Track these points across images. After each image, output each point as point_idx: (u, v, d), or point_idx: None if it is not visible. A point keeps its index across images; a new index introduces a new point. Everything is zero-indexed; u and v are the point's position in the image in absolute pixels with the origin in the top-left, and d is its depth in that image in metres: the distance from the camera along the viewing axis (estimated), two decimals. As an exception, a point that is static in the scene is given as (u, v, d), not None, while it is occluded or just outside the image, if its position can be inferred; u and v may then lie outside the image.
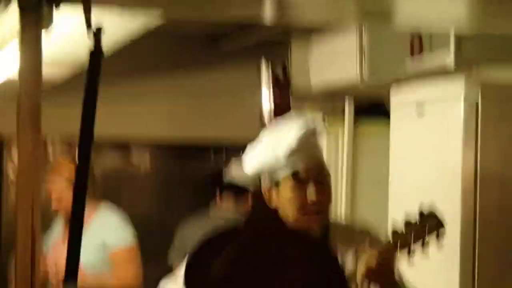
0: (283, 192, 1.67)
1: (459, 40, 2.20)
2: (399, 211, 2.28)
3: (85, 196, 1.23)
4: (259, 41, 2.85)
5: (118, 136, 3.11)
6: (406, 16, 1.81)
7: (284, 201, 1.66)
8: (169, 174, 3.28)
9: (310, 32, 2.71)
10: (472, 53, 2.22)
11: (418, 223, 1.60)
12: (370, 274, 1.51)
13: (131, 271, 2.48)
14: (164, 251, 2.70)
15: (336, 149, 2.78)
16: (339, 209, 2.77)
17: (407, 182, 2.33)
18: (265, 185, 1.73)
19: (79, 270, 1.72)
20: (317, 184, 1.66)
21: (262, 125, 2.77)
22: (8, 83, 2.23)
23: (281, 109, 2.64)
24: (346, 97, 2.74)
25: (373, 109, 2.75)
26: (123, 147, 3.33)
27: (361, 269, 1.53)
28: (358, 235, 1.77)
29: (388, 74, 2.58)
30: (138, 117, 2.94)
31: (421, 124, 2.26)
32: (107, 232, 2.47)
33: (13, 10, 1.26)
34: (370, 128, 2.80)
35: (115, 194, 3.08)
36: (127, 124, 2.94)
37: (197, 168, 3.26)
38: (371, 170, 2.77)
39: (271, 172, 1.70)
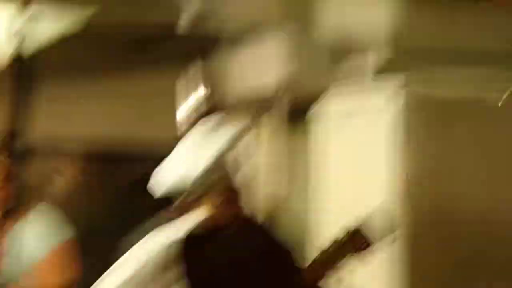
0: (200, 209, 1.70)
1: (384, 52, 2.38)
2: (325, 218, 2.47)
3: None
4: (185, 49, 2.88)
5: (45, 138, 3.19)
6: (332, 25, 1.99)
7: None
8: (99, 180, 3.43)
9: (236, 40, 2.80)
10: (396, 65, 2.37)
11: (344, 241, 1.68)
12: None
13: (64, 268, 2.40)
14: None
15: (263, 153, 2.83)
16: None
17: (333, 190, 2.40)
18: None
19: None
20: (230, 204, 1.71)
21: (188, 129, 2.70)
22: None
23: (208, 114, 2.63)
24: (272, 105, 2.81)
25: (298, 116, 2.80)
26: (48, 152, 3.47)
27: None
28: None
29: (312, 83, 2.62)
30: (65, 120, 3.04)
31: (347, 132, 2.33)
32: (31, 243, 2.37)
33: None
34: (295, 135, 2.85)
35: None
36: (55, 127, 3.02)
37: (127, 174, 3.44)
38: (296, 177, 2.82)
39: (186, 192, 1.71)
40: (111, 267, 1.80)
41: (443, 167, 2.31)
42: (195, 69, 2.85)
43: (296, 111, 2.84)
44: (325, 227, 2.36)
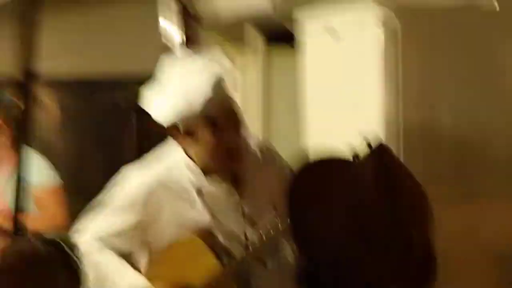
0: (199, 139, 1.71)
1: None
2: (315, 140, 2.45)
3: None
4: None
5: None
6: None
7: (200, 149, 1.71)
8: (77, 110, 3.52)
9: None
10: None
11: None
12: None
13: (55, 210, 2.78)
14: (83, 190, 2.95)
15: (246, 79, 2.83)
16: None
17: (323, 111, 2.39)
18: (177, 133, 1.74)
19: (7, 212, 2.28)
20: (232, 131, 1.74)
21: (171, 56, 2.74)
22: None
23: (191, 40, 2.68)
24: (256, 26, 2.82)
25: (284, 37, 2.78)
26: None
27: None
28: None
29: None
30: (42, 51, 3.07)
31: (337, 50, 2.29)
32: (30, 174, 2.51)
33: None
34: (282, 57, 2.85)
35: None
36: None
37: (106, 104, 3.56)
38: (285, 99, 2.81)
39: (185, 120, 1.71)
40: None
41: (431, 85, 2.32)
42: None
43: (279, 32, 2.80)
44: (313, 151, 2.31)
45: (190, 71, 1.78)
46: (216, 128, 1.74)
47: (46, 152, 2.95)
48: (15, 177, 2.41)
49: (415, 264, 0.91)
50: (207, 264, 1.79)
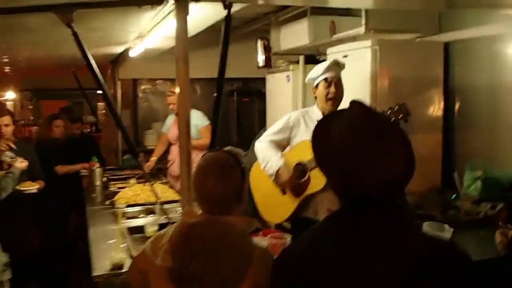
0: (319, 89, 2.81)
1: (366, 17, 3.42)
2: None
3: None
4: (256, 29, 5.02)
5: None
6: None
7: (320, 94, 2.81)
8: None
9: (280, 23, 4.72)
10: (373, 25, 3.48)
11: (394, 111, 2.46)
12: None
13: (208, 137, 4.18)
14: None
15: (297, 79, 4.51)
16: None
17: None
18: (313, 87, 2.83)
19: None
20: (336, 86, 2.76)
21: (258, 67, 4.92)
22: (145, 51, 3.95)
23: (267, 60, 4.83)
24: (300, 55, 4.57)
25: (313, 60, 4.62)
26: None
27: None
28: None
29: (322, 41, 4.12)
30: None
31: (346, 64, 3.02)
32: (197, 120, 4.61)
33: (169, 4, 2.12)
34: (312, 69, 3.24)
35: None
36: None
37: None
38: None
39: (315, 80, 2.82)
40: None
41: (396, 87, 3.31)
42: (262, 39, 4.81)
43: (313, 57, 4.62)
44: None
45: (320, 64, 2.81)
46: (327, 83, 2.74)
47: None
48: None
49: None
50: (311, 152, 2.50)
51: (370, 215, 1.16)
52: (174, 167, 4.62)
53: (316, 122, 2.50)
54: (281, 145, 2.93)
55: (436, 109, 3.67)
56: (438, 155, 3.72)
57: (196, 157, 4.38)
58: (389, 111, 2.49)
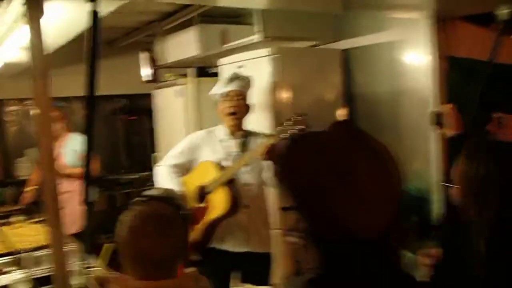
0: (218, 106, 2.73)
1: (264, 23, 3.33)
2: None
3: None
4: (139, 40, 4.61)
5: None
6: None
7: (219, 110, 2.74)
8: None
9: (166, 32, 4.35)
10: (270, 32, 3.40)
11: (292, 123, 2.33)
12: (267, 152, 2.38)
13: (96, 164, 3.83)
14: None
15: (187, 93, 4.19)
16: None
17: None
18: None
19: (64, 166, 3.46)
20: (233, 100, 2.67)
21: (144, 82, 4.51)
22: (6, 66, 3.34)
23: (153, 74, 4.44)
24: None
25: (205, 72, 4.37)
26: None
27: (259, 150, 2.42)
28: (261, 134, 2.71)
29: (213, 51, 3.88)
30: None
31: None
32: (77, 145, 4.03)
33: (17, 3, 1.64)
34: (205, 82, 4.09)
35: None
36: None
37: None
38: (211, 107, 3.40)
39: (217, 96, 2.73)
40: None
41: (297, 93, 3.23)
42: (147, 51, 4.48)
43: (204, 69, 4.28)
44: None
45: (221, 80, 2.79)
46: (227, 99, 2.66)
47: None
48: (67, 146, 4.02)
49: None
50: (214, 175, 2.59)
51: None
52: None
53: (221, 142, 2.61)
54: (184, 168, 2.77)
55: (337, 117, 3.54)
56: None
57: (76, 188, 3.77)
58: (286, 123, 2.36)
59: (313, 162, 0.96)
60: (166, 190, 1.54)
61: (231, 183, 2.59)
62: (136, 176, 5.72)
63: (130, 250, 1.38)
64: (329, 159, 0.94)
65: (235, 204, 2.58)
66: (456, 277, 1.62)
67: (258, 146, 2.49)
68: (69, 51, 2.89)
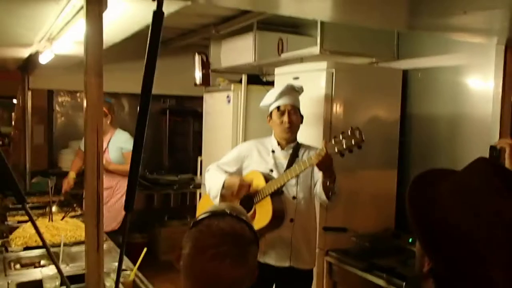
0: (273, 118, 2.68)
1: (322, 37, 3.18)
2: None
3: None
4: (193, 42, 4.57)
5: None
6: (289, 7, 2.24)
7: (273, 124, 2.68)
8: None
9: (221, 37, 4.34)
10: (328, 46, 3.23)
11: (347, 135, 2.26)
12: (319, 164, 2.34)
13: None
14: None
15: (238, 100, 4.16)
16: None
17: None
18: (268, 115, 2.71)
19: (108, 162, 3.61)
20: (289, 115, 2.62)
21: (195, 85, 4.46)
22: (57, 57, 3.30)
23: (205, 77, 4.37)
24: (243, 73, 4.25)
25: (257, 80, 4.35)
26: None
27: (314, 160, 2.35)
28: (313, 147, 2.68)
29: (269, 60, 3.86)
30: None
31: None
32: (122, 142, 4.07)
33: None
34: (255, 90, 4.10)
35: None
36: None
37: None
38: (258, 115, 3.73)
39: (268, 107, 2.69)
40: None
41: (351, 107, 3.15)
42: (200, 54, 4.38)
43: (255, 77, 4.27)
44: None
45: (275, 88, 2.74)
46: (281, 112, 2.61)
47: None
48: (112, 141, 4.04)
49: None
50: (262, 185, 2.58)
51: None
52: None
53: (271, 153, 2.59)
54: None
55: (392, 140, 3.46)
56: (393, 193, 3.49)
57: (117, 185, 3.78)
58: (341, 136, 2.29)
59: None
60: (235, 206, 1.36)
61: (276, 195, 2.55)
62: (176, 177, 5.69)
63: (200, 272, 1.21)
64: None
65: (278, 217, 2.54)
66: None
67: (309, 158, 2.43)
68: (117, 48, 2.87)
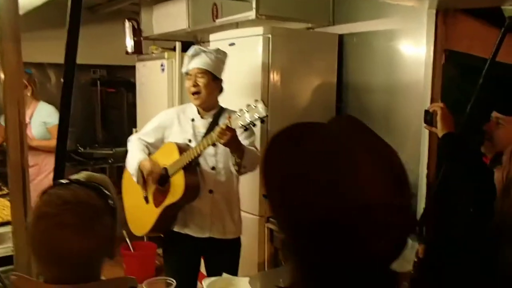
0: (185, 84, 2.58)
1: (257, 1, 3.14)
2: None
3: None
4: (123, 8, 4.38)
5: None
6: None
7: (186, 89, 2.59)
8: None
9: (153, 1, 4.18)
10: (264, 11, 3.19)
11: (252, 108, 2.14)
12: (221, 139, 2.24)
13: None
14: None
15: (172, 69, 4.08)
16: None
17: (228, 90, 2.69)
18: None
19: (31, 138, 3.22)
20: (196, 78, 2.48)
21: (127, 53, 4.26)
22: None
23: (137, 45, 4.18)
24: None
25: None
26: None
27: (215, 137, 2.26)
28: (229, 111, 2.48)
29: (203, 25, 3.82)
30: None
31: (232, 53, 2.74)
32: (46, 116, 3.81)
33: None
34: None
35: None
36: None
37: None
38: None
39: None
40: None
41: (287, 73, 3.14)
42: (130, 20, 4.23)
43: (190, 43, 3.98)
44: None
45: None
46: (189, 77, 2.49)
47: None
48: (35, 116, 3.76)
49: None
50: (176, 157, 2.47)
51: None
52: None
53: (191, 121, 2.44)
54: (154, 147, 2.63)
55: (329, 106, 3.45)
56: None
57: (43, 161, 3.61)
58: (246, 108, 2.16)
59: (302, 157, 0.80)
60: (94, 175, 1.28)
61: (190, 167, 2.45)
62: (111, 151, 5.50)
63: (42, 244, 1.14)
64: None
65: (191, 190, 2.46)
66: (441, 270, 1.53)
67: (210, 135, 2.34)
68: (42, 14, 2.68)
